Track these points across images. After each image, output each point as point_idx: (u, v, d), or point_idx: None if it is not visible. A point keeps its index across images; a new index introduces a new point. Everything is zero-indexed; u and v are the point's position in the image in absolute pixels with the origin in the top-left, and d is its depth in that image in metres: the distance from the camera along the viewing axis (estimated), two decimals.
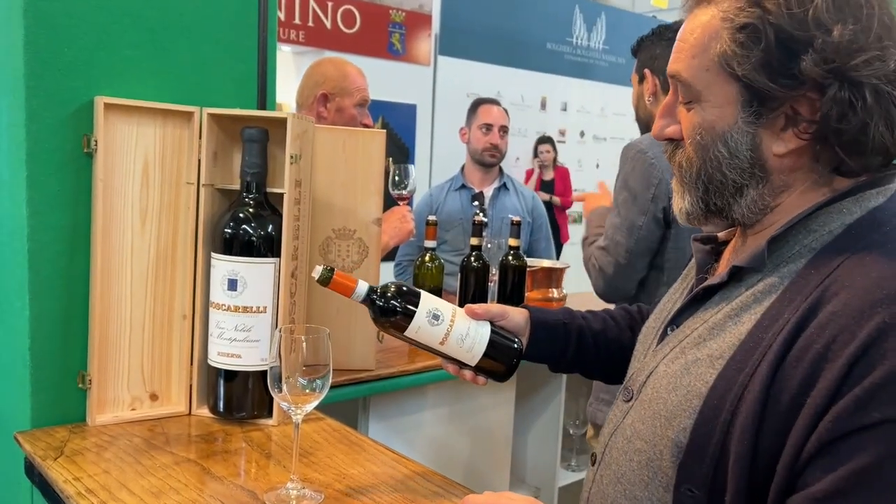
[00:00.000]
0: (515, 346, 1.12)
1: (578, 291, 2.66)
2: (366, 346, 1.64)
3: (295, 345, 1.01)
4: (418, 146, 5.69)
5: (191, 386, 1.32)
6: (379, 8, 5.54)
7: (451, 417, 1.91)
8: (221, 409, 1.30)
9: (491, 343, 1.09)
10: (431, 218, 1.86)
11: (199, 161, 1.29)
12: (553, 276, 2.25)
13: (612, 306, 1.88)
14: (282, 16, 5.01)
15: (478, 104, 2.93)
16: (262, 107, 1.41)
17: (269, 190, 1.30)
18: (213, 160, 1.31)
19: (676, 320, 0.91)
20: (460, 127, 2.95)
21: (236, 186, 1.30)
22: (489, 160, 2.75)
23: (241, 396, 1.29)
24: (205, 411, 1.32)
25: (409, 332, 1.05)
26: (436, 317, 1.05)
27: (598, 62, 6.95)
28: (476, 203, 2.72)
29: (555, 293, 2.27)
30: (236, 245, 1.26)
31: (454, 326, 1.06)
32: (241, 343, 1.26)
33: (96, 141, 1.20)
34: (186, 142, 1.29)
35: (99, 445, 1.16)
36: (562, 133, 6.59)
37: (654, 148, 1.79)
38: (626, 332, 1.20)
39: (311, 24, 5.17)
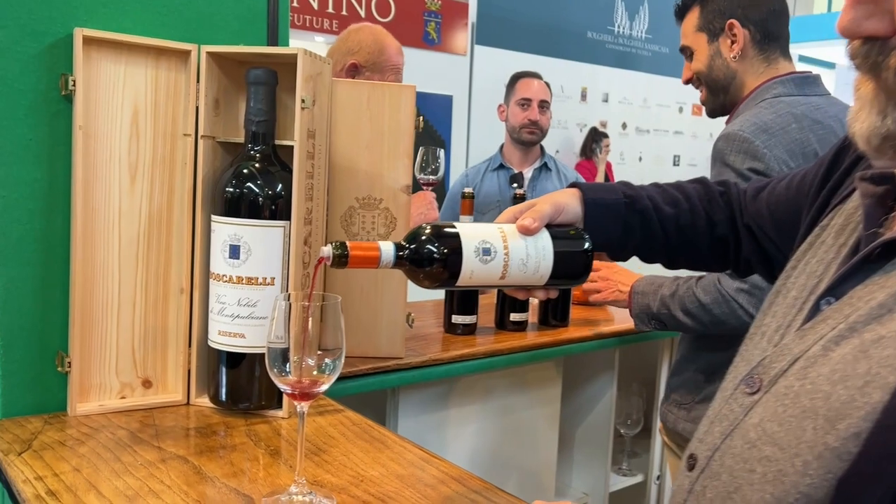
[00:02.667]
0: (586, 245, 0.92)
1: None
2: (394, 330, 1.45)
3: (301, 315, 0.82)
4: (454, 138, 5.50)
5: (189, 371, 1.14)
6: None
7: (488, 413, 1.71)
8: (223, 399, 1.11)
9: (558, 255, 0.89)
10: (468, 190, 1.66)
11: (198, 109, 1.10)
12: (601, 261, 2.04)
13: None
14: (315, 4, 4.87)
15: (516, 78, 2.73)
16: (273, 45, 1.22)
17: (278, 142, 1.11)
18: (215, 109, 1.13)
19: (836, 290, 0.68)
20: (499, 104, 2.74)
21: (241, 139, 1.12)
22: (527, 137, 2.54)
23: (245, 383, 1.10)
24: (205, 401, 1.14)
25: (462, 280, 0.85)
26: (486, 251, 0.85)
27: (640, 51, 6.69)
28: (515, 185, 2.51)
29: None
30: (238, 205, 1.07)
31: (510, 254, 0.86)
32: (244, 321, 1.08)
33: (75, 81, 1.02)
34: (183, 86, 1.11)
35: (75, 439, 0.98)
36: (603, 125, 6.33)
37: (761, 135, 1.52)
38: (702, 217, 0.99)
39: (344, 12, 5.02)
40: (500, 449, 1.75)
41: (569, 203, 0.94)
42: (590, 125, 6.18)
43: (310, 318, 0.81)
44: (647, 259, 1.01)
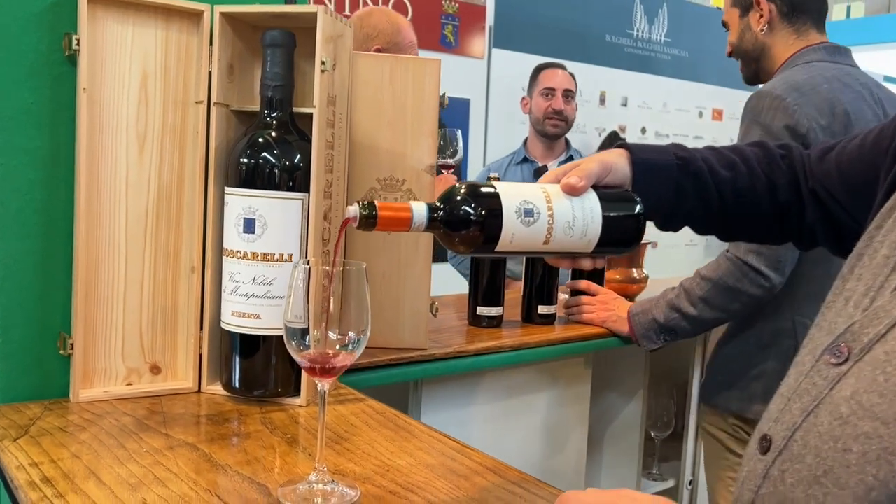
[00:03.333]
0: (637, 208, 0.84)
1: (661, 277, 2.33)
2: (417, 320, 1.36)
3: (323, 282, 0.74)
4: (472, 143, 5.42)
5: (200, 357, 1.06)
6: None
7: (515, 410, 1.62)
8: (237, 385, 1.03)
9: (606, 219, 0.81)
10: (493, 175, 1.58)
11: (210, 74, 1.03)
12: (634, 254, 1.95)
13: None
14: (331, 6, 4.83)
15: (540, 69, 2.66)
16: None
17: (296, 110, 1.03)
18: (228, 75, 1.06)
19: None
20: (522, 97, 2.66)
21: (256, 108, 1.04)
22: (551, 130, 2.45)
23: (260, 368, 1.02)
24: (217, 388, 1.06)
25: (502, 245, 0.77)
26: (529, 213, 0.77)
27: (659, 55, 6.60)
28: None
29: (635, 273, 1.96)
30: (253, 176, 1.00)
31: (555, 216, 0.78)
32: (260, 300, 1.00)
33: (79, 41, 0.95)
34: (195, 50, 1.04)
35: (76, 425, 0.91)
36: (622, 129, 6.24)
37: (792, 93, 1.49)
38: (762, 180, 0.90)
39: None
40: (527, 448, 1.66)
41: (616, 163, 0.86)
42: (609, 129, 6.09)
43: (332, 286, 0.72)
44: (701, 228, 0.93)
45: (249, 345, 1.02)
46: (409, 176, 1.33)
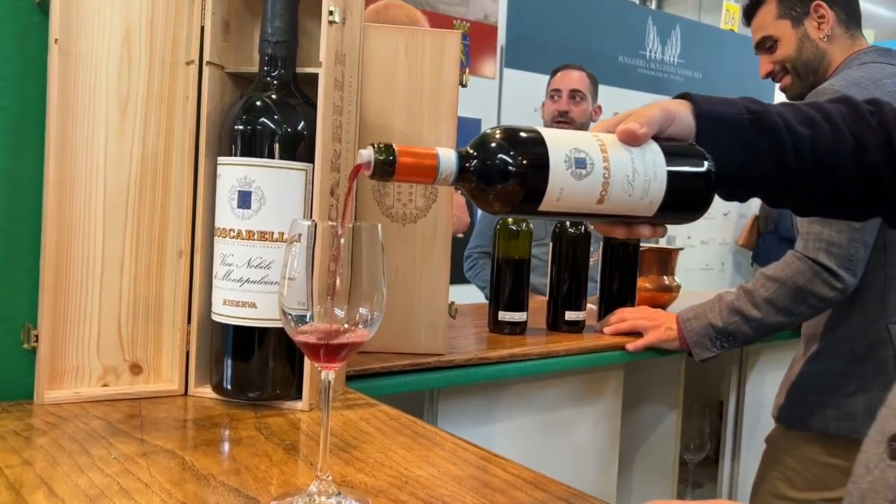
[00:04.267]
0: (707, 165, 0.70)
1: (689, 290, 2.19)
2: (434, 322, 1.22)
3: (329, 244, 0.60)
4: None
5: (188, 354, 0.92)
6: (442, 18, 5.24)
7: (540, 426, 1.46)
8: (228, 387, 0.89)
9: (672, 176, 0.67)
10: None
11: (203, 31, 0.91)
12: (666, 260, 1.80)
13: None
14: None
15: (554, 71, 2.55)
16: None
17: (299, 70, 0.91)
18: (224, 33, 0.93)
19: None
20: (542, 102, 2.54)
21: (255, 69, 0.92)
22: None
23: (256, 366, 0.88)
24: (207, 391, 0.92)
25: (547, 202, 0.64)
26: (580, 163, 0.64)
27: (672, 76, 6.50)
28: None
29: (666, 281, 1.81)
30: (250, 143, 0.87)
31: (612, 168, 0.65)
32: (256, 286, 0.86)
33: None
34: (186, 3, 0.91)
35: (35, 428, 0.77)
36: None
37: (853, 87, 1.40)
38: (847, 140, 0.76)
39: None
40: (553, 469, 1.50)
41: (680, 112, 0.72)
42: None
43: (342, 249, 0.59)
44: (773, 197, 0.79)
45: (243, 339, 0.88)
46: None
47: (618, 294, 1.57)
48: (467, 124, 5.37)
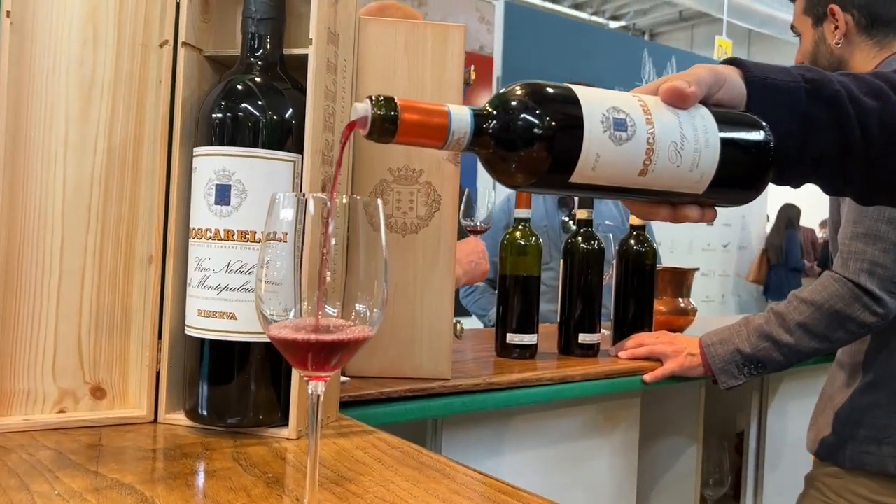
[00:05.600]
0: (763, 135, 0.60)
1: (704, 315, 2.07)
2: (437, 344, 1.11)
3: (319, 222, 0.49)
4: (480, 193, 5.24)
5: (158, 374, 0.80)
6: None
7: (552, 460, 1.34)
8: (204, 412, 0.77)
9: (725, 145, 0.56)
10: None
11: (179, 7, 0.81)
12: (681, 281, 1.69)
13: None
14: None
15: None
16: None
17: (287, 52, 0.81)
18: (203, 13, 0.83)
19: None
20: None
21: (237, 52, 0.82)
22: None
23: (236, 388, 0.76)
24: (180, 417, 0.80)
25: (580, 172, 0.53)
26: (620, 125, 0.54)
27: None
28: (563, 208, 2.20)
29: (682, 303, 1.70)
30: (231, 131, 0.76)
31: (657, 133, 0.54)
32: (235, 294, 0.75)
33: None
34: None
35: None
36: None
37: None
38: None
39: None
40: None
41: (730, 76, 0.62)
42: None
43: (331, 228, 0.48)
44: (834, 180, 0.68)
45: (221, 356, 0.76)
46: (428, 166, 1.10)
47: (633, 317, 1.46)
48: (465, 155, 5.31)
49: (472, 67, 1.12)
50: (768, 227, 7.00)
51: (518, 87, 0.55)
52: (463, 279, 1.66)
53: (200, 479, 0.64)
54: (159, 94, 0.80)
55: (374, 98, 0.50)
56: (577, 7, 9.44)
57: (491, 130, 0.53)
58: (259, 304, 0.49)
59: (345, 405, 0.93)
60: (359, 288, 0.49)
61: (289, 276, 0.51)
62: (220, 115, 0.76)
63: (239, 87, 0.77)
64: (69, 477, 0.61)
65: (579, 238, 1.38)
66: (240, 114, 0.76)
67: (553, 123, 0.52)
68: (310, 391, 0.50)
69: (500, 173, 0.55)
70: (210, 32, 0.84)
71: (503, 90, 0.55)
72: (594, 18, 9.62)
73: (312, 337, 0.46)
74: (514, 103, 0.53)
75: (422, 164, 1.10)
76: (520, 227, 1.34)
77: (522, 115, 0.53)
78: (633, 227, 1.45)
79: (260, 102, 0.77)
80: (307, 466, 0.50)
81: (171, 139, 0.80)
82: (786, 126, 0.63)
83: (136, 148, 0.80)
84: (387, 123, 0.49)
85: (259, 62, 0.78)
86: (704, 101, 0.60)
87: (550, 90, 0.54)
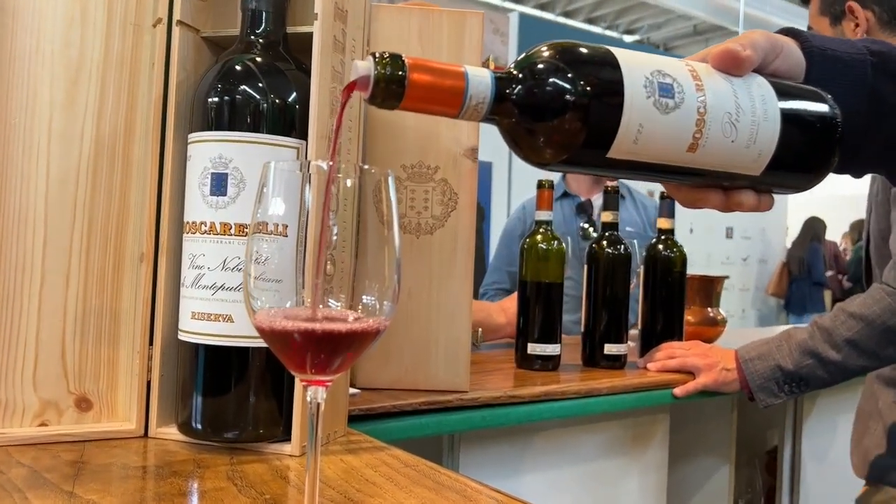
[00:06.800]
0: (828, 108, 0.53)
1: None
2: (455, 353, 1.03)
3: (320, 195, 0.42)
4: (494, 207, 5.17)
5: (149, 384, 0.73)
6: None
7: (577, 479, 1.25)
8: (198, 425, 0.70)
9: (786, 117, 0.49)
10: (545, 179, 1.27)
11: None
12: (710, 290, 1.61)
13: None
14: None
15: None
16: None
17: (291, 30, 0.74)
18: None
19: None
20: None
21: (236, 32, 0.75)
22: None
23: (233, 399, 0.69)
24: (172, 431, 0.72)
25: (620, 145, 0.46)
26: (666, 90, 0.46)
27: None
28: (582, 214, 2.12)
29: (711, 313, 1.62)
30: (229, 115, 0.69)
31: (709, 102, 0.47)
32: (232, 294, 0.67)
33: None
34: None
35: None
36: (649, 195, 5.96)
37: None
38: None
39: None
40: None
41: (788, 44, 0.55)
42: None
43: (332, 202, 0.40)
44: None
45: (216, 363, 0.69)
46: (444, 162, 1.03)
47: (662, 327, 1.37)
48: (479, 168, 5.25)
49: (492, 57, 1.05)
50: (788, 240, 6.88)
51: (547, 48, 0.47)
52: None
53: (189, 502, 0.56)
54: (152, 78, 0.74)
55: (377, 55, 0.43)
56: (590, 21, 9.39)
57: (515, 96, 0.45)
58: (247, 288, 0.41)
59: (354, 419, 0.85)
60: (366, 275, 0.42)
61: (284, 260, 0.44)
62: (216, 97, 0.70)
63: (237, 67, 0.70)
64: (40, 498, 0.54)
65: (604, 242, 1.30)
66: (238, 96, 0.69)
67: (588, 88, 0.45)
68: (308, 398, 0.43)
69: (525, 148, 0.48)
70: (208, 11, 0.77)
71: (530, 50, 0.48)
72: (608, 33, 9.57)
73: (311, 327, 0.39)
74: (542, 65, 0.46)
75: (437, 160, 1.03)
76: (541, 230, 1.26)
77: (552, 80, 0.45)
78: (661, 230, 1.37)
79: (260, 84, 0.70)
80: (306, 486, 0.43)
81: (164, 126, 0.73)
82: (849, 102, 0.56)
83: (126, 136, 0.73)
84: (392, 85, 0.42)
85: (260, 40, 0.72)
86: (759, 71, 0.53)
87: (584, 50, 0.47)
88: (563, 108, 0.45)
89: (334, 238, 0.42)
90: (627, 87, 0.45)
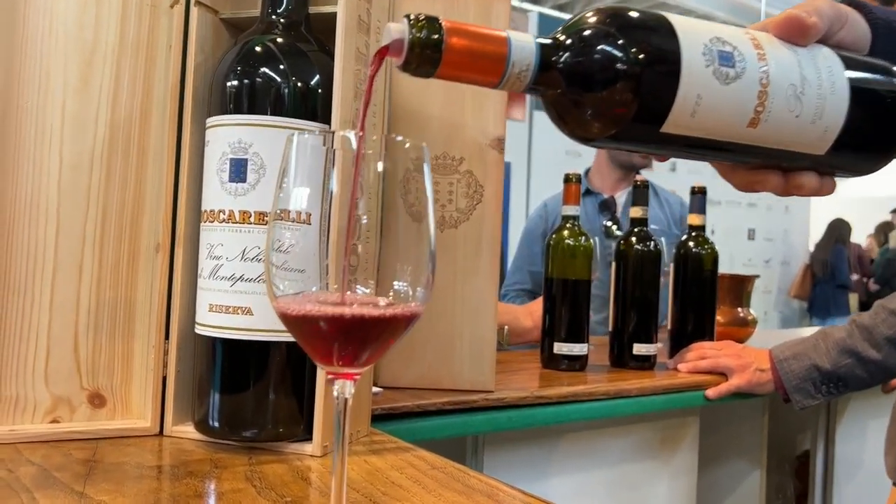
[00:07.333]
0: None
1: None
2: (480, 351, 0.99)
3: (347, 167, 0.39)
4: (513, 208, 5.12)
5: (164, 380, 0.70)
6: None
7: (605, 484, 1.21)
8: (215, 424, 0.67)
9: (855, 91, 0.45)
10: (573, 173, 1.23)
11: None
12: (740, 289, 1.56)
13: None
14: None
15: None
16: None
17: (313, 10, 0.71)
18: None
19: None
20: None
21: (256, 12, 0.72)
22: (640, 161, 2.10)
23: (253, 397, 0.66)
24: (188, 429, 0.69)
25: (676, 118, 0.43)
26: (726, 58, 0.43)
27: None
28: (606, 212, 2.07)
29: (741, 313, 1.57)
30: (250, 98, 0.66)
31: (771, 73, 0.43)
32: (252, 286, 0.64)
33: None
34: None
35: None
36: (673, 191, 5.89)
37: None
38: None
39: None
40: None
41: (853, 14, 0.51)
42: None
43: (361, 173, 0.37)
44: None
45: (235, 358, 0.66)
46: (469, 153, 0.99)
47: (693, 327, 1.33)
48: None
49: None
50: (811, 243, 6.79)
51: (596, 13, 0.44)
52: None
53: (209, 500, 0.53)
54: (169, 61, 0.71)
55: (412, 17, 0.39)
56: None
57: (561, 65, 0.42)
58: (269, 272, 0.38)
59: (375, 419, 0.82)
60: (398, 259, 0.38)
61: (307, 247, 0.40)
62: (235, 80, 0.67)
63: (257, 48, 0.67)
64: (48, 498, 0.51)
65: (633, 238, 1.26)
66: (258, 79, 0.66)
67: (642, 56, 0.42)
68: (335, 393, 0.39)
69: (570, 122, 0.44)
70: None
71: (577, 16, 0.45)
72: None
73: (340, 311, 0.35)
74: (591, 31, 0.42)
75: (462, 151, 0.99)
76: (567, 225, 1.22)
77: (602, 46, 0.42)
78: (691, 227, 1.32)
79: (281, 66, 0.67)
80: (332, 488, 0.39)
81: (181, 111, 0.70)
82: None
83: (142, 121, 0.70)
84: (428, 50, 0.39)
85: (281, 21, 0.68)
86: (823, 41, 0.49)
87: (637, 15, 0.43)
88: (615, 78, 0.41)
89: (364, 220, 0.39)
90: (685, 55, 0.42)
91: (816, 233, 6.74)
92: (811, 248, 6.70)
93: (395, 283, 0.39)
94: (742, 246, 6.26)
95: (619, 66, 0.42)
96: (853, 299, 6.13)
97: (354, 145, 0.38)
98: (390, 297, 0.38)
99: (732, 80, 0.42)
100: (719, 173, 0.54)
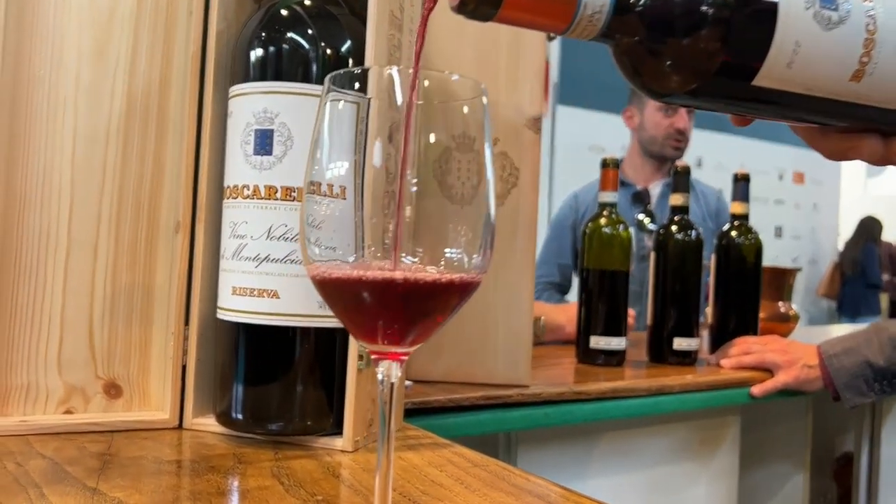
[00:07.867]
0: None
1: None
2: (515, 344, 0.94)
3: (399, 115, 0.34)
4: None
5: (184, 369, 0.65)
6: None
7: (644, 486, 1.15)
8: (238, 416, 0.62)
9: None
10: (610, 158, 1.18)
11: None
12: (781, 284, 1.50)
13: None
14: None
15: None
16: None
17: None
18: None
19: None
20: (624, 108, 2.25)
21: None
22: (672, 152, 2.04)
23: (279, 387, 0.61)
24: (210, 422, 0.65)
25: (771, 67, 0.37)
26: (829, 2, 0.36)
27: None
28: (638, 204, 2.01)
29: (782, 308, 1.50)
30: (274, 66, 0.61)
31: (879, 18, 0.38)
32: (278, 266, 0.59)
33: None
34: None
35: None
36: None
37: None
38: None
39: None
40: None
41: None
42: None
43: (413, 124, 0.32)
44: None
45: (260, 345, 0.61)
46: (503, 133, 0.94)
47: (736, 321, 1.26)
48: None
49: None
50: (840, 241, 6.65)
51: None
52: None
53: (229, 501, 0.48)
54: (190, 28, 0.66)
55: None
56: None
57: (640, 7, 0.37)
58: (303, 235, 0.33)
59: (405, 413, 0.77)
60: (450, 220, 0.33)
61: (344, 219, 0.36)
62: (260, 47, 0.62)
63: (283, 12, 0.62)
64: (57, 494, 0.46)
65: (674, 227, 1.20)
66: (284, 45, 0.61)
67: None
68: (379, 376, 0.34)
69: (646, 74, 0.39)
70: None
71: None
72: None
73: (389, 276, 0.30)
74: None
75: (497, 131, 0.94)
76: (605, 213, 1.16)
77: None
78: (734, 215, 1.26)
79: (309, 30, 0.62)
80: (375, 487, 0.34)
81: (202, 81, 0.66)
82: None
83: (161, 91, 0.66)
84: None
85: None
86: None
87: None
88: (701, 23, 0.36)
89: (414, 181, 0.34)
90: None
91: (845, 231, 6.60)
92: (840, 246, 6.57)
93: (447, 250, 0.33)
94: (769, 243, 6.13)
95: (705, 8, 0.36)
96: (884, 299, 5.99)
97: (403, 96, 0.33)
98: (441, 267, 0.33)
99: (835, 26, 0.37)
100: (805, 140, 0.48)
